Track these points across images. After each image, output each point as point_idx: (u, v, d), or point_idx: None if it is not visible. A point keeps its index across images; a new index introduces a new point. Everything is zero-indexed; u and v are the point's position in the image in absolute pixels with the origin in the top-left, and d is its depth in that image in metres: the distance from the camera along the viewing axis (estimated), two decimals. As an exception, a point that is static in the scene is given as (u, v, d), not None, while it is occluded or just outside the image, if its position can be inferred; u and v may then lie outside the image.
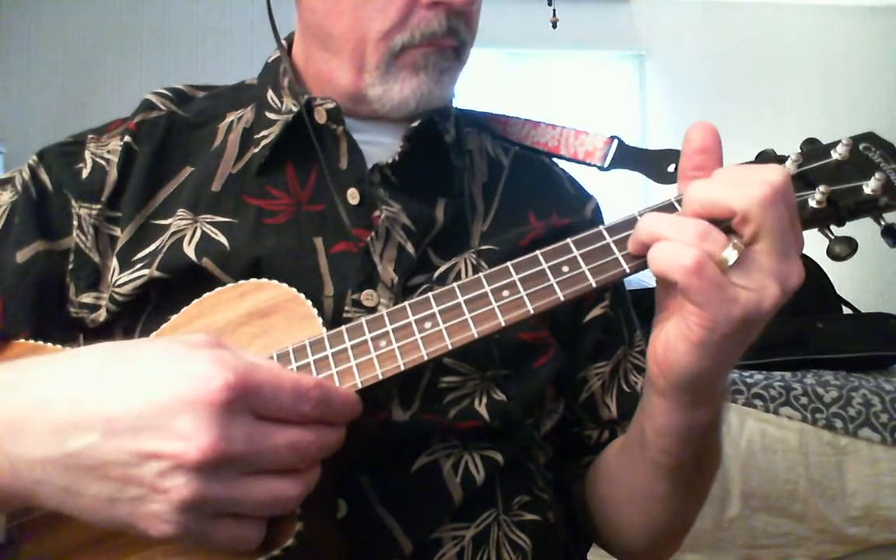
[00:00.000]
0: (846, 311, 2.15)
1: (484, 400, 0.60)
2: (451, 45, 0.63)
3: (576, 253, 0.48)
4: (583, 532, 0.73)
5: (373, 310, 0.58)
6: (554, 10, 2.71)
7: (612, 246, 0.48)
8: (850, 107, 4.13)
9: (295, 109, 0.64)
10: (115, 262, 0.61)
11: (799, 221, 0.45)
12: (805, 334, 1.91)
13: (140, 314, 0.60)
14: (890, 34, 4.22)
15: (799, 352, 1.88)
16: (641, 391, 0.70)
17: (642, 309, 0.76)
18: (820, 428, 1.57)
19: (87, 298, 0.61)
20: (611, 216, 0.58)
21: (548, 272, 0.48)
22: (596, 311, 0.70)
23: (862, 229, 0.50)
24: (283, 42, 0.70)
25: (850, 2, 4.19)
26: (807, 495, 1.53)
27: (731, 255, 0.42)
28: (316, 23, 0.64)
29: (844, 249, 0.47)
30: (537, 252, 0.49)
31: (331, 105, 0.63)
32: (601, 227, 0.49)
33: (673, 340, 0.45)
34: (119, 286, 0.59)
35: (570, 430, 0.71)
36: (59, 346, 0.58)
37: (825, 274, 2.13)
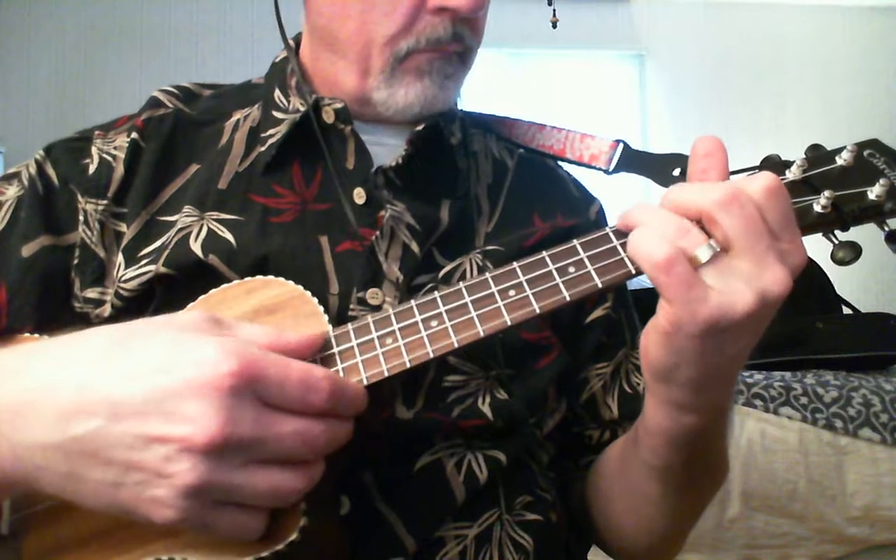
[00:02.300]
0: (846, 311, 2.16)
1: (487, 399, 0.60)
2: (456, 50, 0.63)
3: (582, 254, 0.49)
4: (583, 532, 0.73)
5: (378, 308, 0.58)
6: (554, 10, 2.71)
7: (619, 248, 0.48)
8: (849, 107, 4.13)
9: (302, 109, 0.64)
10: (120, 258, 0.61)
11: (791, 229, 0.44)
12: (805, 334, 1.91)
13: (145, 310, 0.60)
14: (890, 34, 4.23)
15: (799, 352, 1.88)
16: (643, 392, 0.71)
17: (642, 308, 0.76)
18: (820, 428, 1.57)
19: (91, 293, 0.61)
20: (614, 219, 0.58)
21: (554, 273, 0.48)
22: (598, 312, 0.70)
23: (862, 230, 0.50)
24: (291, 42, 0.70)
25: (850, 2, 4.19)
26: (807, 495, 1.53)
27: (703, 253, 0.42)
28: (322, 25, 0.64)
29: (848, 254, 0.47)
30: (544, 253, 0.50)
31: (339, 105, 0.63)
32: (607, 229, 0.49)
33: (650, 330, 0.46)
34: (124, 282, 0.59)
35: (571, 430, 0.71)
36: None
37: (825, 274, 2.13)
